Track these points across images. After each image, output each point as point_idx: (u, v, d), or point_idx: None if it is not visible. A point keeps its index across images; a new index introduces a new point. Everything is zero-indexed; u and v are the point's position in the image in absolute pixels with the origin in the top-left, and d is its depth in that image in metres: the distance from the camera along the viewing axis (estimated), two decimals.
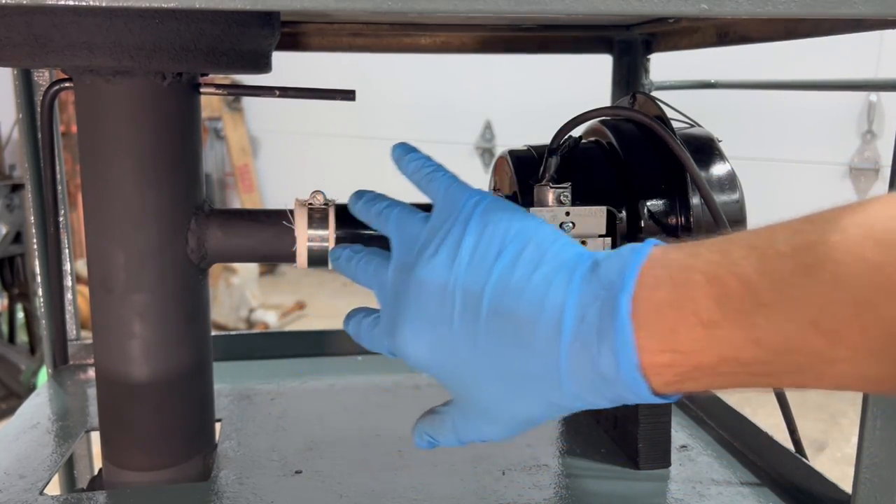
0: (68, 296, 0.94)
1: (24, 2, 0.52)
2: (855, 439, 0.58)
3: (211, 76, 0.66)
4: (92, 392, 0.86)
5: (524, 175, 0.62)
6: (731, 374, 0.36)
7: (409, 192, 0.67)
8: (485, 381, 0.44)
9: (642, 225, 0.62)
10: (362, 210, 0.55)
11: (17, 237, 2.74)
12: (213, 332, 0.76)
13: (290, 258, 0.63)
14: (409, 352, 0.47)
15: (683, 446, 0.74)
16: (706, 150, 0.64)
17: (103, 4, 0.40)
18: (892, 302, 0.31)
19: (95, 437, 0.73)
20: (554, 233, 0.44)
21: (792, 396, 0.70)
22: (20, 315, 2.89)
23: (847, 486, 0.60)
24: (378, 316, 0.51)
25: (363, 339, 0.52)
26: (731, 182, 0.63)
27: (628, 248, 0.40)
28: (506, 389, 0.43)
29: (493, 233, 0.44)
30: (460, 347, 0.44)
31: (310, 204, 0.62)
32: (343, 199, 0.64)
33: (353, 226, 0.62)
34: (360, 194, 0.56)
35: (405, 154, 0.54)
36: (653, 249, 0.39)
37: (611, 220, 0.55)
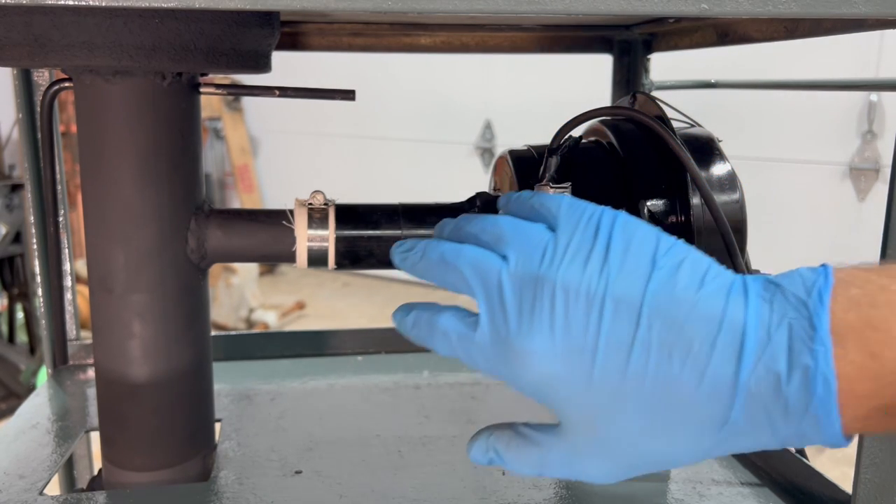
0: (68, 296, 0.94)
1: (24, 2, 0.52)
2: (855, 439, 0.58)
3: (211, 76, 0.66)
4: (92, 392, 0.86)
5: (524, 175, 0.62)
6: None
7: (409, 192, 0.66)
8: (628, 407, 0.37)
9: None
10: (459, 232, 0.46)
11: (17, 237, 2.74)
12: (213, 332, 0.76)
13: (290, 258, 0.63)
14: (537, 368, 0.39)
15: None
16: (706, 150, 0.64)
17: (103, 4, 0.40)
18: None
19: (95, 437, 0.73)
20: (704, 255, 0.39)
21: None
22: (20, 315, 2.89)
23: (847, 486, 0.60)
24: (472, 320, 0.42)
25: (456, 348, 0.43)
26: (731, 182, 0.63)
27: (804, 269, 0.36)
28: (653, 419, 0.37)
29: (643, 244, 0.39)
30: (608, 362, 0.37)
31: (310, 204, 0.62)
32: (343, 199, 0.64)
33: (353, 226, 0.62)
34: (444, 225, 0.48)
35: (512, 197, 0.47)
36: (835, 269, 0.35)
37: None
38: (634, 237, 0.39)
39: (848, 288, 0.34)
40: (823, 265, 0.36)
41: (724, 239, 0.59)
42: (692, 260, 0.38)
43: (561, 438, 0.40)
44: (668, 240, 0.39)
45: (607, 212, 0.41)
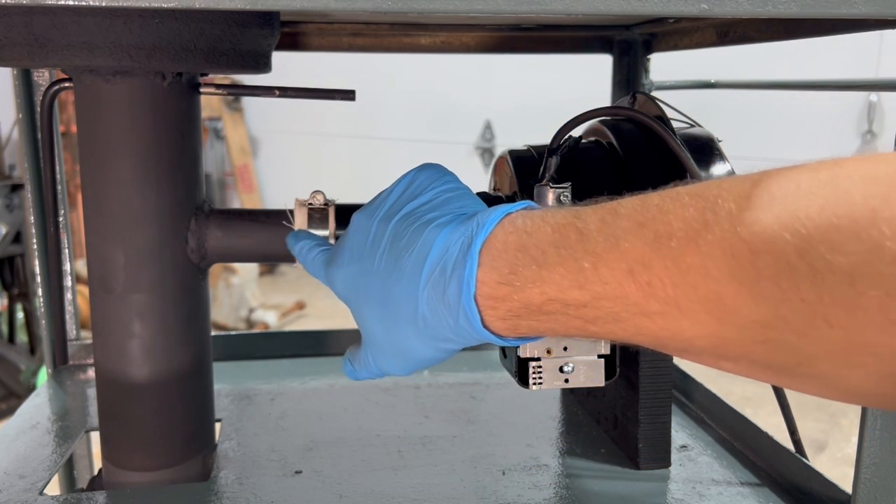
0: (68, 296, 0.94)
1: (24, 2, 0.52)
2: (855, 439, 0.58)
3: (211, 76, 0.66)
4: (92, 392, 0.86)
5: (524, 175, 0.62)
6: (558, 314, 0.40)
7: None
8: (373, 308, 0.49)
9: None
10: None
11: (17, 237, 2.74)
12: (213, 332, 0.76)
13: (290, 258, 0.63)
14: (335, 284, 0.53)
15: (683, 446, 0.74)
16: (706, 150, 0.64)
17: (103, 4, 0.40)
18: (696, 256, 0.33)
19: (95, 437, 0.73)
20: (467, 193, 0.50)
21: (792, 396, 0.70)
22: (20, 315, 2.89)
23: (847, 486, 0.60)
24: (327, 248, 0.57)
25: (307, 264, 0.58)
26: None
27: (511, 204, 0.45)
28: (385, 315, 0.48)
29: (419, 185, 0.50)
30: (361, 277, 0.50)
31: (310, 204, 0.62)
32: (343, 199, 0.64)
33: None
34: None
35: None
36: (526, 207, 0.44)
37: None
38: (415, 181, 0.51)
39: (517, 218, 0.43)
40: (527, 202, 0.45)
41: None
42: (447, 196, 0.49)
43: (363, 341, 0.52)
44: (444, 183, 0.50)
45: (422, 165, 0.52)
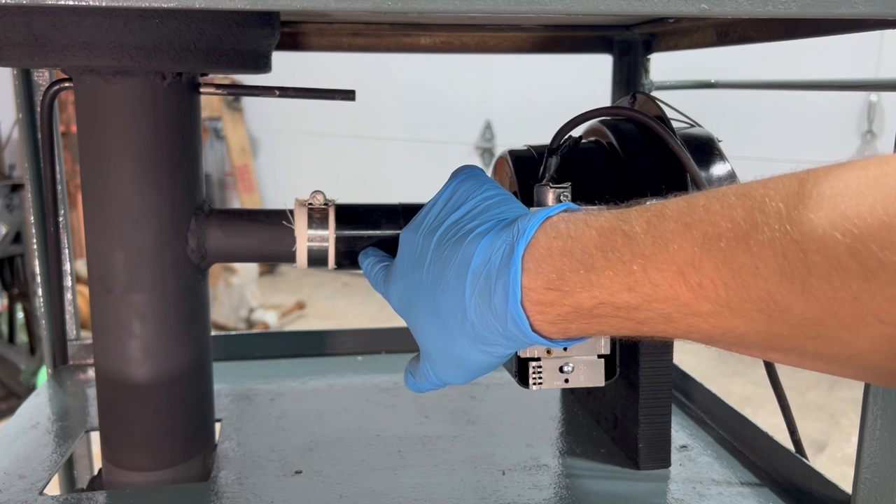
0: (68, 296, 0.94)
1: (24, 2, 0.52)
2: (855, 439, 0.58)
3: (211, 76, 0.66)
4: (92, 392, 0.86)
5: (524, 175, 0.62)
6: (609, 317, 0.41)
7: (409, 192, 0.66)
8: (425, 320, 0.50)
9: None
10: None
11: (17, 237, 2.74)
12: (213, 332, 0.76)
13: (290, 258, 0.63)
14: (391, 300, 0.54)
15: (683, 446, 0.74)
16: (706, 150, 0.64)
17: (103, 4, 0.40)
18: (747, 257, 0.34)
19: (95, 437, 0.73)
20: (508, 199, 0.50)
21: (792, 396, 0.70)
22: (20, 315, 2.89)
23: (847, 486, 0.60)
24: (388, 265, 0.58)
25: (370, 281, 0.59)
26: (731, 182, 0.63)
27: (554, 207, 0.45)
28: (436, 326, 0.49)
29: (460, 196, 0.51)
30: (412, 292, 0.51)
31: (310, 204, 0.62)
32: (343, 199, 0.64)
33: (353, 226, 0.62)
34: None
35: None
36: (566, 209, 0.45)
37: None
38: (457, 192, 0.51)
39: (559, 223, 0.43)
40: (567, 204, 0.45)
41: None
42: (487, 204, 0.49)
43: (421, 354, 0.53)
44: (485, 192, 0.50)
45: (458, 173, 0.53)
